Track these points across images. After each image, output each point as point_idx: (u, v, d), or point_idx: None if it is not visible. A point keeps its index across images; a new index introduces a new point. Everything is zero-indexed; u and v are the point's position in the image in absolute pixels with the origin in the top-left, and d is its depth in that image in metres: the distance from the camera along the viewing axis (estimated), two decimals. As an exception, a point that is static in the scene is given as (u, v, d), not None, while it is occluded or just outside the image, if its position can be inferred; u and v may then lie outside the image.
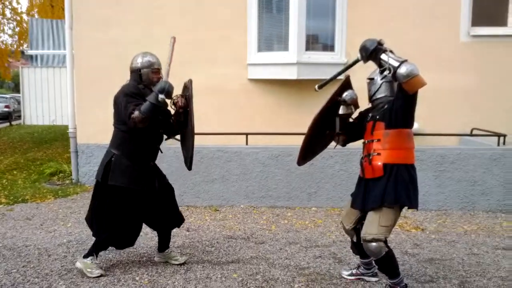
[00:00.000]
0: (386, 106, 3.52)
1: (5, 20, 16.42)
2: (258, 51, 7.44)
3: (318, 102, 7.08)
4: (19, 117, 24.59)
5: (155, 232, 4.56)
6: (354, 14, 7.34)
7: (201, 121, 7.40)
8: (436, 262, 4.46)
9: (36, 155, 11.23)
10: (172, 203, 4.36)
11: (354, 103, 3.71)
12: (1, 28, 16.89)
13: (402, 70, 3.25)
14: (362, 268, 4.02)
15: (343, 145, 3.98)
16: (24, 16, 16.86)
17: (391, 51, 3.42)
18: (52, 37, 16.82)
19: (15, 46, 17.24)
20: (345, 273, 4.09)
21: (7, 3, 16.46)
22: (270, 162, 6.44)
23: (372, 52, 3.45)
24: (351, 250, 4.15)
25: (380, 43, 3.46)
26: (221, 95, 7.52)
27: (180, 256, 4.44)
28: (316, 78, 7.17)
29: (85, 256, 4.08)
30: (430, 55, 7.19)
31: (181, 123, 4.13)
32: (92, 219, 4.14)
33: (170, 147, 6.70)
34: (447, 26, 7.39)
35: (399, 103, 3.41)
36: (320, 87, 3.90)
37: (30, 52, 17.85)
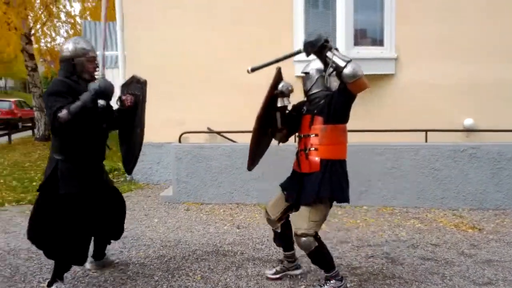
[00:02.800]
0: (323, 101, 3.51)
1: (60, 23, 17.09)
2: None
3: (367, 99, 7.04)
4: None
5: (207, 229, 4.61)
6: (403, 6, 7.15)
7: (246, 119, 7.46)
8: (494, 263, 4.29)
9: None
10: (120, 212, 4.08)
11: (291, 93, 3.60)
12: (57, 31, 17.57)
13: (348, 70, 3.21)
14: (286, 262, 3.98)
15: (284, 141, 3.88)
16: (78, 19, 17.46)
17: (336, 49, 3.37)
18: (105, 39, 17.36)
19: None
20: (269, 273, 4.00)
21: (61, 6, 17.14)
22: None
23: (318, 48, 3.35)
24: (273, 242, 4.10)
25: (326, 40, 3.36)
26: (265, 93, 7.50)
27: (114, 257, 4.40)
28: (365, 74, 7.07)
29: (48, 286, 3.67)
30: (489, 46, 6.93)
31: (126, 121, 3.80)
32: (40, 237, 3.63)
33: (220, 145, 6.79)
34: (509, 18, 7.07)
35: (340, 100, 3.40)
36: (253, 70, 3.70)
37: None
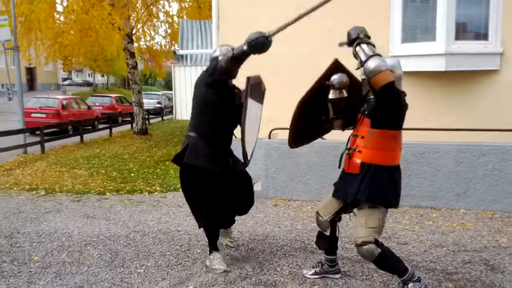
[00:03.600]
0: (374, 104, 3.38)
1: (159, 22, 17.94)
2: (402, 42, 7.10)
3: (468, 95, 6.63)
4: (169, 112, 26.84)
5: (295, 225, 4.60)
6: (512, -2, 6.63)
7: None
8: None
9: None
10: (248, 190, 4.37)
11: (344, 87, 3.50)
12: (156, 31, 18.47)
13: (368, 65, 3.19)
14: (326, 266, 3.88)
15: (342, 129, 3.72)
16: (175, 18, 18.23)
17: (371, 44, 3.33)
18: (200, 37, 17.98)
19: (167, 46, 18.71)
20: (308, 273, 3.93)
21: (160, 7, 18.00)
22: (413, 159, 6.13)
23: (352, 41, 3.39)
24: (315, 245, 3.98)
25: (359, 35, 3.36)
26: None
27: (235, 240, 4.73)
28: (467, 70, 6.67)
29: (209, 253, 4.16)
30: None
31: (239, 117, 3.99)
32: (192, 208, 4.24)
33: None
34: None
35: (377, 103, 3.32)
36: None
37: (180, 52, 19.27)
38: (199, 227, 4.21)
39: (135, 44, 16.79)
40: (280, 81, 7.82)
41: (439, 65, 6.69)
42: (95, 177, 8.64)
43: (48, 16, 14.44)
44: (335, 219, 3.76)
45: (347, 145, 3.60)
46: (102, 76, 54.82)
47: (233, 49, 4.00)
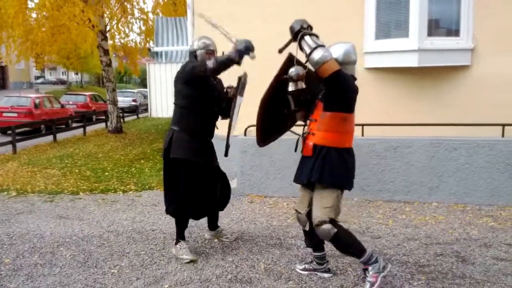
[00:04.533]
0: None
1: (133, 19, 17.71)
2: (375, 39, 7.17)
3: (441, 90, 6.74)
4: (145, 110, 26.60)
5: (271, 221, 4.62)
6: (482, -6, 6.75)
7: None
8: None
9: (161, 145, 12.01)
10: (224, 185, 4.62)
11: (301, 79, 3.57)
12: (130, 28, 18.24)
13: (313, 56, 3.31)
14: (315, 263, 3.92)
15: (305, 120, 3.78)
16: (150, 15, 18.01)
17: (314, 35, 3.44)
18: (176, 34, 17.81)
19: (142, 44, 18.50)
20: (298, 267, 4.01)
21: (135, 3, 17.77)
22: (387, 154, 6.20)
23: (295, 34, 3.47)
24: (304, 243, 4.06)
25: (302, 27, 3.44)
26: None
27: (230, 235, 4.83)
28: (440, 65, 6.77)
29: (176, 243, 4.34)
30: None
31: (227, 111, 4.41)
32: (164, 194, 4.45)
33: (283, 138, 6.75)
34: None
35: (326, 90, 3.47)
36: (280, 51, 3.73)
37: (156, 49, 19.08)
38: (167, 212, 4.44)
39: (110, 42, 16.55)
40: (256, 79, 7.82)
41: (412, 61, 6.79)
42: (68, 177, 8.51)
43: (19, 13, 14.12)
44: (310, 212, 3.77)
45: (303, 130, 3.73)
46: (76, 74, 53.98)
47: (209, 43, 4.40)
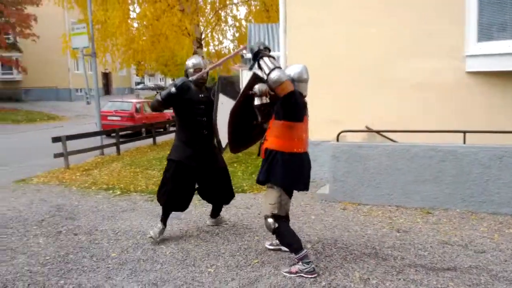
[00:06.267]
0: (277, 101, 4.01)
1: (227, 27, 18.23)
2: (478, 41, 6.78)
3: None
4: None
5: (365, 230, 4.51)
6: None
7: (406, 118, 7.14)
8: None
9: (252, 149, 12.20)
10: (224, 183, 5.27)
11: (265, 94, 4.04)
12: (224, 35, 18.78)
13: (271, 77, 3.85)
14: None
15: None
16: (243, 22, 18.43)
17: (272, 57, 4.01)
18: (267, 40, 18.06)
19: (235, 50, 18.98)
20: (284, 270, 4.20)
21: (228, 11, 18.30)
22: (492, 164, 5.81)
23: (254, 54, 4.05)
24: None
25: (260, 49, 4.04)
26: (430, 90, 7.10)
27: (228, 221, 5.72)
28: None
29: (159, 223, 5.14)
30: None
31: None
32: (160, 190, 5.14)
33: (379, 144, 6.60)
34: None
35: (280, 103, 3.95)
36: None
37: (248, 55, 19.46)
38: (159, 201, 5.13)
39: (204, 49, 17.16)
40: (347, 84, 7.71)
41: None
42: (167, 178, 8.90)
43: (122, 22, 15.08)
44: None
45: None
46: (173, 80, 56.53)
47: (196, 62, 5.14)
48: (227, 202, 5.50)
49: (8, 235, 5.05)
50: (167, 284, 3.93)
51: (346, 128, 7.01)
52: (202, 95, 5.00)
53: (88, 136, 12.09)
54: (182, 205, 5.12)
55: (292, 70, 4.13)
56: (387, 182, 6.35)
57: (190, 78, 4.90)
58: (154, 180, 8.68)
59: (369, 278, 3.94)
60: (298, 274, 3.99)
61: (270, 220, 4.11)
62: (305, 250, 4.06)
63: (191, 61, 5.17)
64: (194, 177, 5.06)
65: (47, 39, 31.14)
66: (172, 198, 4.97)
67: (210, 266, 4.30)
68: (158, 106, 4.97)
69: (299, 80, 4.10)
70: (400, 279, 3.92)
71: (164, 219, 5.12)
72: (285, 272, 4.07)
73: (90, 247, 4.94)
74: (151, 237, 4.99)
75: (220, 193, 5.32)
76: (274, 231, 4.12)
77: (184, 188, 4.99)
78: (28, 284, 3.94)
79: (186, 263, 4.41)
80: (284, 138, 4.02)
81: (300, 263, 3.99)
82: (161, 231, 5.07)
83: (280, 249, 4.59)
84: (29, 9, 31.05)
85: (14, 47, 34.12)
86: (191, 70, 5.08)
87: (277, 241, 4.41)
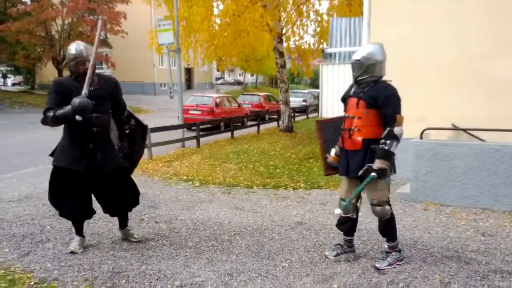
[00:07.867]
0: (368, 87, 3.97)
1: (308, 21, 18.09)
2: None
3: None
4: (314, 110, 27.02)
5: (447, 232, 4.29)
6: None
7: (497, 116, 6.69)
8: None
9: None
10: (120, 188, 4.63)
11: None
12: (305, 30, 18.67)
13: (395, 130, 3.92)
14: (346, 246, 4.31)
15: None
16: (324, 17, 18.18)
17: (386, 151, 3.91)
18: (349, 35, 17.74)
19: (316, 45, 18.80)
20: (330, 254, 4.30)
21: (310, 6, 18.14)
22: None
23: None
24: (337, 227, 4.38)
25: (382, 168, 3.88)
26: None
27: (136, 235, 4.95)
28: None
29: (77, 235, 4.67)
30: None
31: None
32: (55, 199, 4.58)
33: (466, 143, 6.25)
34: None
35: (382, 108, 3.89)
36: None
37: (329, 50, 19.24)
38: (60, 215, 4.67)
39: (285, 44, 17.16)
40: (432, 80, 7.38)
41: None
42: (244, 171, 9.05)
43: (205, 19, 15.44)
44: (357, 201, 4.20)
45: (343, 125, 4.12)
46: (252, 75, 57.26)
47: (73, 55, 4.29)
48: (130, 209, 4.92)
49: (95, 221, 5.36)
50: (242, 275, 3.98)
51: (430, 125, 6.71)
52: (92, 88, 4.22)
53: (171, 129, 12.55)
54: (87, 213, 4.65)
55: (379, 52, 4.02)
56: (473, 183, 6.01)
57: (83, 93, 4.08)
58: (231, 173, 8.85)
59: (450, 282, 3.76)
60: (396, 264, 4.04)
61: (386, 206, 4.01)
62: (398, 239, 4.15)
63: (71, 52, 4.29)
64: (85, 182, 4.45)
65: (134, 35, 32.67)
66: (71, 209, 4.50)
67: (284, 260, 4.31)
68: (49, 124, 4.24)
69: (385, 60, 4.05)
70: (484, 285, 3.71)
71: (78, 232, 4.68)
72: (384, 267, 4.01)
73: (170, 235, 5.12)
74: (72, 251, 4.50)
75: (119, 199, 4.70)
76: (387, 219, 4.02)
77: (78, 197, 4.47)
78: (112, 268, 4.17)
79: (260, 255, 4.45)
80: (380, 126, 3.93)
81: (394, 252, 4.06)
82: (81, 242, 4.64)
83: (338, 259, 4.29)
84: (119, 7, 32.72)
85: (105, 43, 36.13)
86: (73, 63, 4.28)
87: (338, 252, 4.30)
